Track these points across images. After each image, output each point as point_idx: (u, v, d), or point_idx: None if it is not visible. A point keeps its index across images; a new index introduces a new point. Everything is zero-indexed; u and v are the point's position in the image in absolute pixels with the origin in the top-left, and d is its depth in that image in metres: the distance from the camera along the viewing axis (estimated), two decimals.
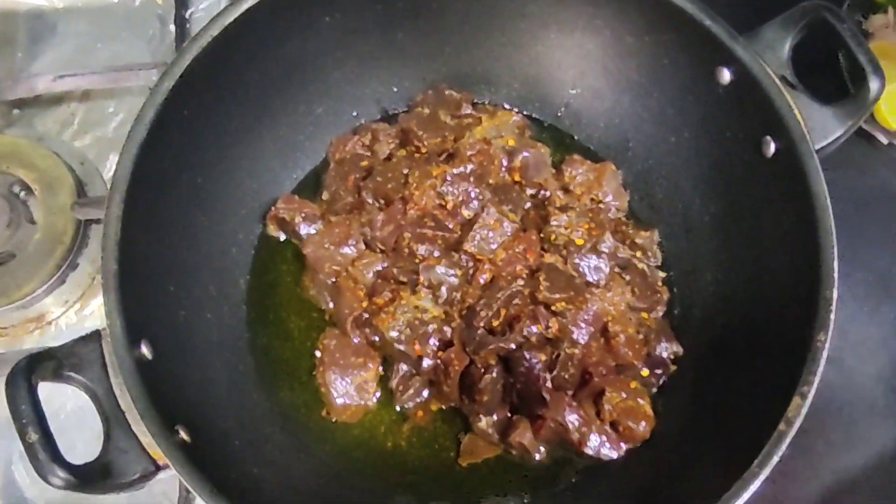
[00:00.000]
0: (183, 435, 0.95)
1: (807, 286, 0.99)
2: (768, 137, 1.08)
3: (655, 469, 1.11)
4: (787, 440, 0.93)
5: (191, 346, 1.11)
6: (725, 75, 1.12)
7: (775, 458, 0.92)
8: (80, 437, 1.12)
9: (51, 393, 1.12)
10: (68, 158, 1.38)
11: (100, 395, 0.96)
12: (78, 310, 1.33)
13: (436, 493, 1.14)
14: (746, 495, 0.91)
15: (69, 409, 1.23)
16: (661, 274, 1.25)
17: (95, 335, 0.99)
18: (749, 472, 0.91)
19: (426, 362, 1.14)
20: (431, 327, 1.14)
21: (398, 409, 1.17)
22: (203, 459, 0.93)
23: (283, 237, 1.27)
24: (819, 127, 1.08)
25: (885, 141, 1.44)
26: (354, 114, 1.34)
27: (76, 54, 1.49)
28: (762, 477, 0.91)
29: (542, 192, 1.26)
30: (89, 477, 0.93)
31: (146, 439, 0.93)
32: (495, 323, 1.13)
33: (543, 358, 1.09)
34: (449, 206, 1.20)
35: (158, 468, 0.94)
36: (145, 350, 0.98)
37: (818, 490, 1.25)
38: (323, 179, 1.29)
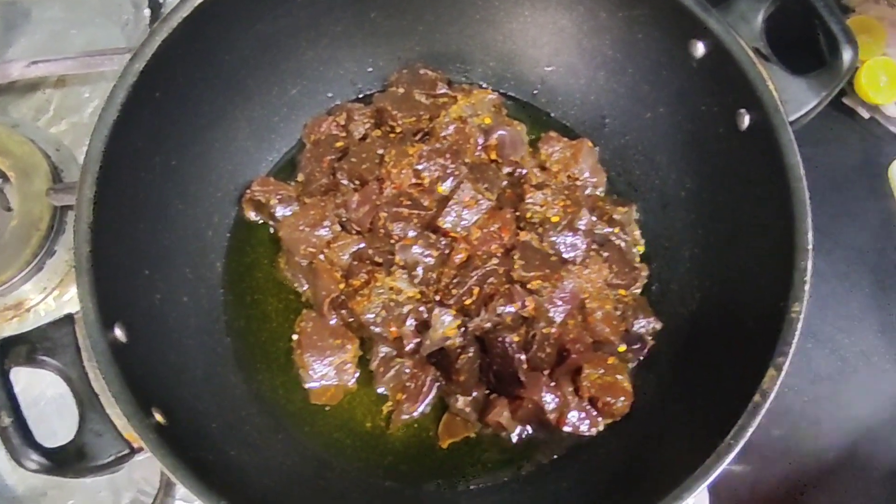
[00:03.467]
0: (158, 417, 0.94)
1: (782, 258, 0.99)
2: (742, 110, 1.08)
3: (634, 443, 1.11)
4: (762, 412, 0.93)
5: (167, 329, 1.11)
6: (699, 48, 1.11)
7: (749, 431, 0.92)
8: (62, 423, 1.11)
9: (31, 379, 1.15)
10: (44, 145, 1.37)
11: (73, 378, 0.96)
12: (56, 296, 1.32)
13: (417, 473, 1.14)
14: (720, 468, 0.91)
15: (49, 395, 1.23)
16: (639, 250, 1.25)
17: (69, 319, 0.98)
18: (723, 444, 0.91)
19: (408, 343, 1.13)
20: (407, 308, 1.13)
21: (378, 391, 1.17)
22: (179, 442, 0.93)
23: (258, 219, 1.26)
24: (793, 98, 1.07)
25: (866, 115, 1.44)
26: (329, 94, 1.33)
27: (50, 40, 1.47)
28: (736, 449, 0.91)
29: (519, 170, 1.25)
30: (63, 460, 0.93)
31: (121, 422, 0.93)
32: (468, 302, 1.12)
33: (517, 339, 1.09)
34: (425, 183, 1.19)
35: (133, 451, 0.94)
36: (119, 333, 0.97)
37: (797, 468, 1.26)
38: (298, 161, 1.28)
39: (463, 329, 1.12)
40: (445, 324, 1.11)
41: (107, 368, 0.93)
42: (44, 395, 1.23)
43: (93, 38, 1.48)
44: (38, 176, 1.32)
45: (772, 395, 0.93)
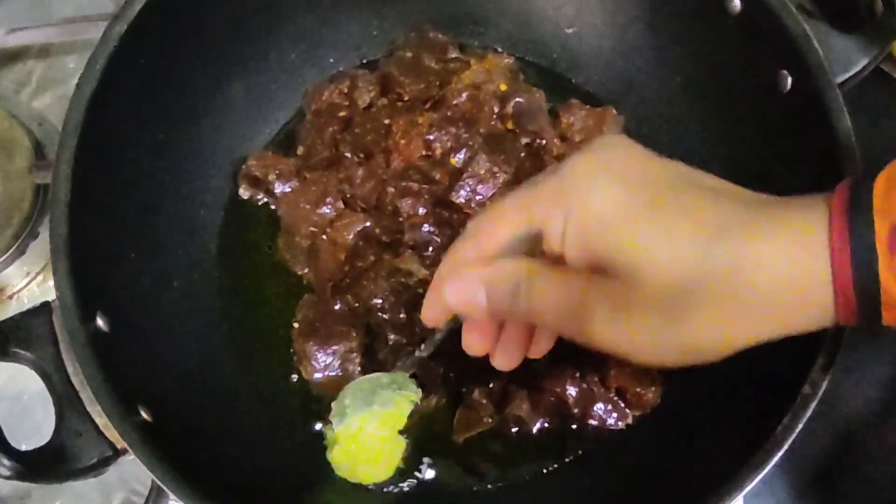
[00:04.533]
0: (144, 415, 0.89)
1: None
2: (784, 71, 1.00)
3: (668, 437, 1.04)
4: (812, 405, 0.85)
5: (155, 317, 1.04)
6: (735, 3, 1.04)
7: (798, 427, 0.85)
8: (47, 420, 1.03)
9: (13, 373, 1.10)
10: (26, 119, 1.31)
11: (50, 372, 0.90)
12: (40, 282, 1.26)
13: (434, 471, 1.08)
14: (768, 466, 0.84)
15: (33, 389, 1.17)
16: None
17: (45, 307, 0.93)
18: (769, 442, 0.84)
19: (419, 329, 1.06)
20: (417, 291, 1.06)
21: None
22: (168, 441, 0.88)
23: (256, 197, 1.19)
24: (840, 58, 0.99)
25: None
26: (331, 60, 1.26)
27: (33, 7, 1.41)
28: (783, 448, 0.84)
29: (538, 140, 1.18)
30: (39, 464, 0.88)
31: (102, 420, 0.87)
32: None
33: None
34: (436, 155, 1.13)
35: (117, 452, 0.88)
36: (101, 322, 0.92)
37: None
38: (298, 133, 1.22)
39: None
40: None
41: (87, 361, 0.87)
42: (27, 389, 1.18)
43: (79, 3, 1.41)
44: (19, 153, 1.26)
45: (823, 386, 0.86)
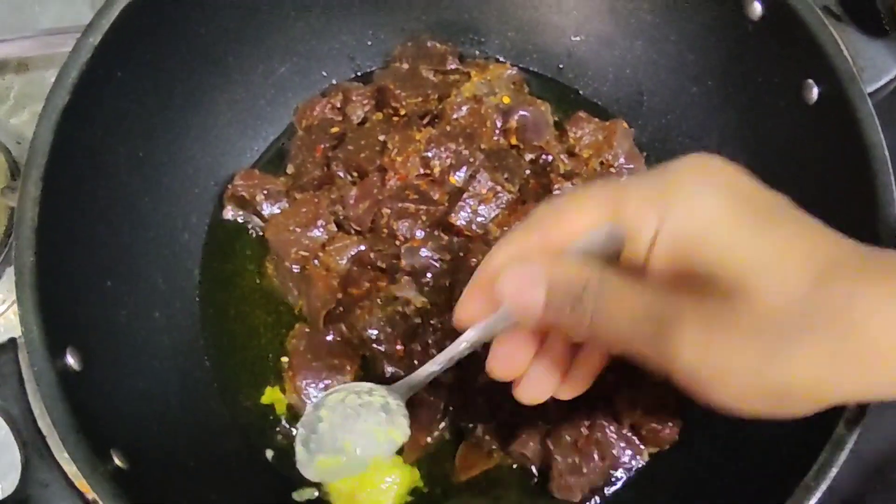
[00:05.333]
0: (118, 461, 0.82)
1: None
2: (810, 80, 0.95)
3: (688, 477, 0.99)
4: (849, 446, 0.79)
5: (134, 351, 0.98)
6: (756, 8, 0.99)
7: (834, 469, 0.79)
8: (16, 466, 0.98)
9: None
10: (3, 137, 1.26)
11: (15, 416, 0.85)
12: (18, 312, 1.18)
13: None
14: None
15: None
16: None
17: (10, 344, 0.87)
18: (802, 486, 0.78)
19: (418, 362, 1.00)
20: (415, 322, 1.01)
21: None
22: (144, 490, 0.82)
23: (242, 219, 1.15)
24: (871, 65, 0.95)
25: None
26: (323, 73, 1.22)
27: (10, 18, 1.36)
28: (818, 493, 0.78)
29: (544, 156, 1.14)
30: None
31: (72, 468, 0.81)
32: None
33: None
34: (435, 173, 1.08)
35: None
36: (72, 360, 0.85)
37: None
38: (287, 150, 1.17)
39: (482, 346, 0.98)
40: None
41: (55, 404, 0.81)
42: None
43: (59, 14, 1.36)
44: None
45: (857, 429, 0.79)
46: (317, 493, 0.99)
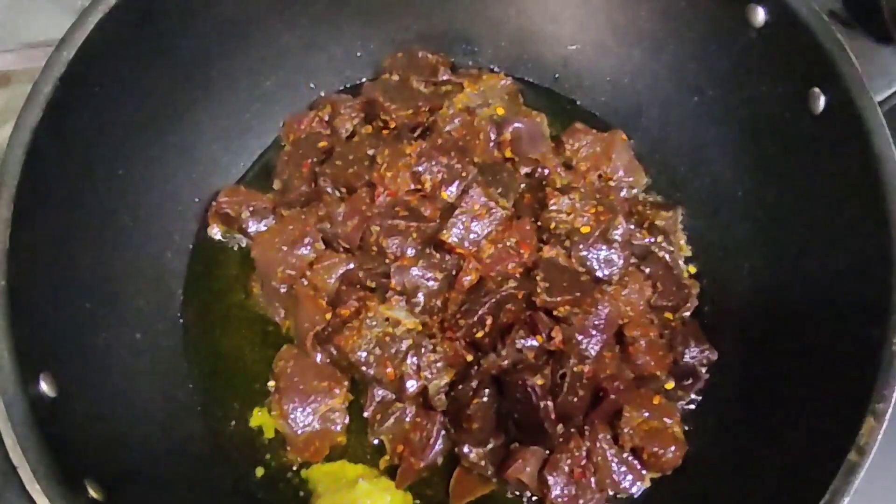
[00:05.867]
0: (93, 493, 0.80)
1: (874, 274, 0.84)
2: (816, 89, 0.93)
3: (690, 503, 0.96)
4: (861, 474, 0.77)
5: (113, 376, 0.95)
6: (759, 14, 0.97)
7: (846, 499, 0.76)
8: None
9: None
10: None
11: None
12: None
13: None
14: None
15: None
16: (687, 265, 1.11)
17: None
18: None
19: (411, 384, 0.98)
20: (406, 343, 0.98)
21: (374, 442, 1.02)
22: None
23: (227, 237, 1.13)
24: (880, 72, 0.94)
25: None
26: (312, 85, 1.21)
27: None
28: None
29: (540, 169, 1.12)
30: None
31: (44, 501, 0.77)
32: (479, 334, 0.98)
33: (542, 382, 0.93)
34: (426, 188, 1.06)
35: None
36: (45, 386, 0.82)
37: None
38: (274, 166, 1.15)
39: (476, 368, 0.97)
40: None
41: (26, 434, 0.78)
42: None
43: (42, 28, 1.33)
44: None
45: (873, 452, 0.77)
46: None
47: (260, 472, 0.99)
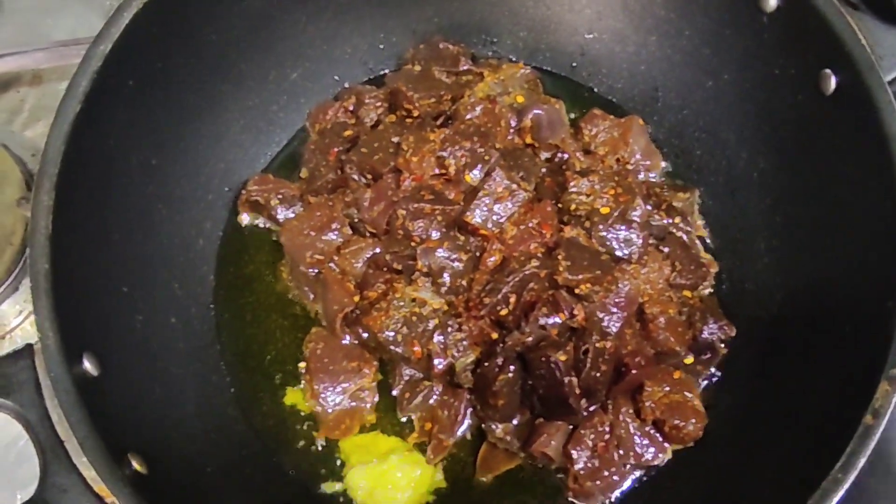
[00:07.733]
0: (136, 465, 0.83)
1: (886, 247, 0.86)
2: (827, 70, 0.94)
3: (711, 474, 0.97)
4: (876, 437, 0.79)
5: (150, 357, 0.98)
6: None
7: (861, 460, 0.78)
8: (29, 472, 1.02)
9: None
10: (18, 150, 1.25)
11: (33, 421, 0.85)
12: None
13: None
14: None
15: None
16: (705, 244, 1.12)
17: (27, 350, 0.88)
18: (830, 478, 0.77)
19: (438, 363, 0.99)
20: (432, 323, 1.00)
21: (403, 419, 1.04)
22: (162, 493, 0.82)
23: (257, 224, 1.15)
24: (890, 54, 0.97)
25: None
26: (336, 77, 1.22)
27: (23, 31, 1.36)
28: (846, 485, 0.77)
29: (559, 154, 1.13)
30: None
31: (90, 473, 0.81)
32: (504, 312, 0.99)
33: (565, 358, 0.94)
34: (450, 172, 1.07)
35: None
36: (89, 365, 0.85)
37: None
38: (301, 155, 1.17)
39: (500, 345, 0.98)
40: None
41: (72, 409, 0.81)
42: (23, 434, 1.07)
43: (71, 27, 1.36)
44: (9, 184, 1.20)
45: (887, 415, 0.79)
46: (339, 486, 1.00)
47: (293, 447, 1.01)
